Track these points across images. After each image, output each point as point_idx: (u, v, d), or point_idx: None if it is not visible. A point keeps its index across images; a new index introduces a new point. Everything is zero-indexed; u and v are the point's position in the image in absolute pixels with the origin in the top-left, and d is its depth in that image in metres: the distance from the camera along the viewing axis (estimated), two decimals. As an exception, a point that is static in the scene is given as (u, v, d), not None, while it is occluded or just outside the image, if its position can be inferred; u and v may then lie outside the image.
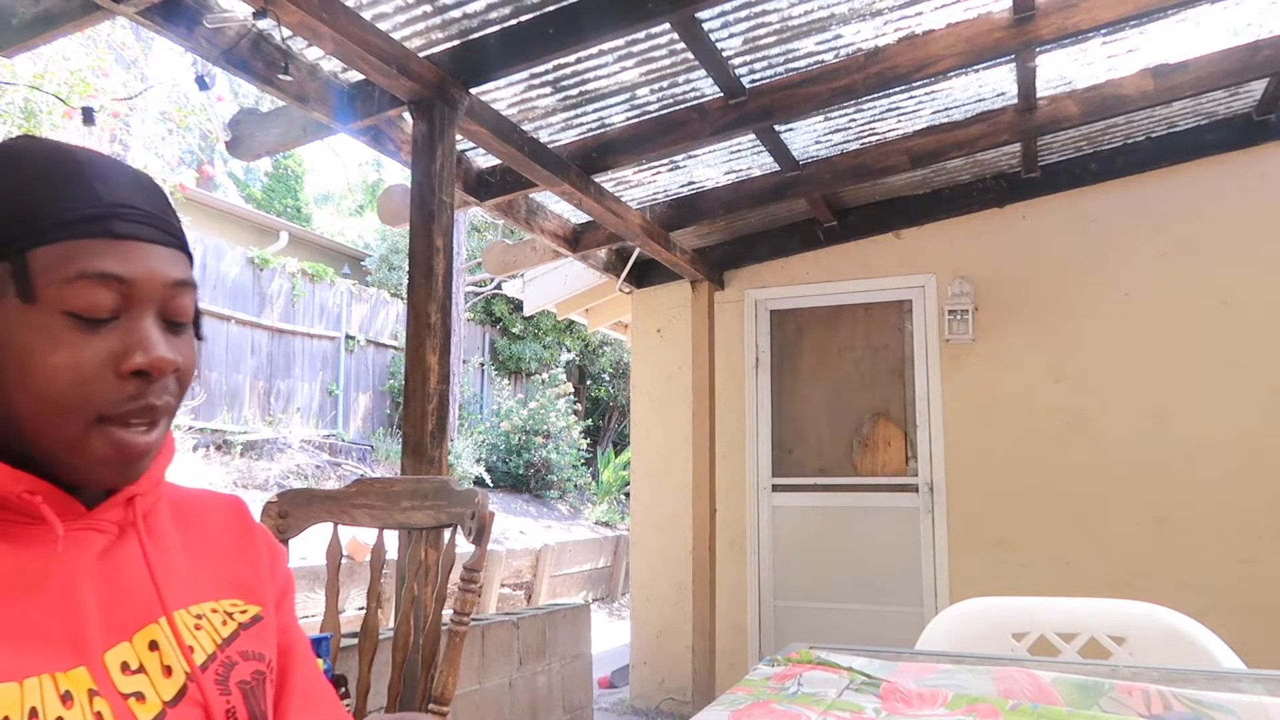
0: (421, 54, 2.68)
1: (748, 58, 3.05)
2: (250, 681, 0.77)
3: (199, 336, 0.77)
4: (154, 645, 0.71)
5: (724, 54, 2.98)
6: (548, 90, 3.11)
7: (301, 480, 8.36)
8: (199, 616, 0.76)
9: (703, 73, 3.06)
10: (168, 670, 0.71)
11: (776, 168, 3.98)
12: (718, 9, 2.69)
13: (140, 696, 0.68)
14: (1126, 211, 4.28)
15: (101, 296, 0.67)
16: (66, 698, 0.62)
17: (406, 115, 2.88)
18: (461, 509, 1.40)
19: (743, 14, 2.78)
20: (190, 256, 0.75)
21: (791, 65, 3.14)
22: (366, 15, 2.49)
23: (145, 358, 0.68)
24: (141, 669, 0.70)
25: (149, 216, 0.71)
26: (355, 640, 2.21)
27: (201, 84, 2.72)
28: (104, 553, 0.72)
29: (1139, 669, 1.23)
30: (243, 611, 0.81)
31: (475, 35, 2.68)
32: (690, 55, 2.94)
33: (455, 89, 2.72)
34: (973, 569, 4.32)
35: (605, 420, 13.79)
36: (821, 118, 3.60)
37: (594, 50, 2.86)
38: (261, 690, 0.78)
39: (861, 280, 4.73)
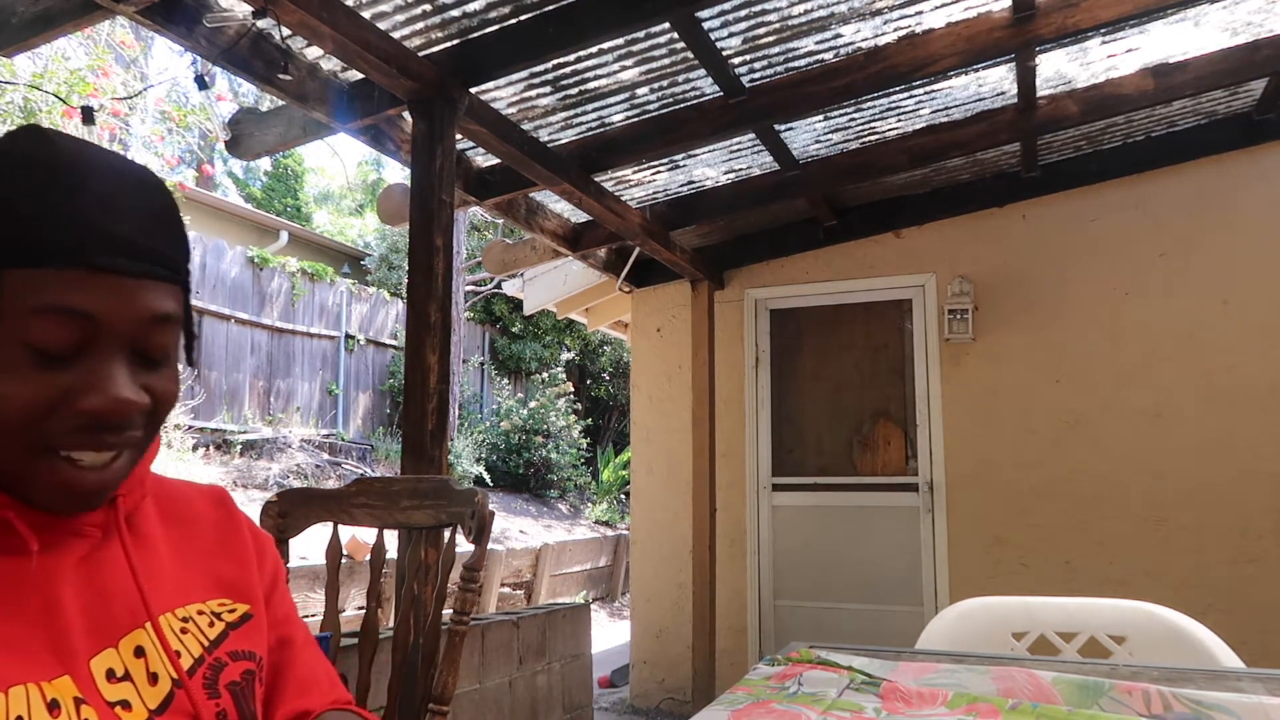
0: (421, 53, 2.68)
1: (747, 57, 3.05)
2: (240, 683, 0.75)
3: (190, 363, 0.72)
4: (140, 652, 0.70)
5: (724, 53, 2.98)
6: (547, 90, 3.11)
7: (301, 480, 8.36)
8: (185, 620, 0.75)
9: (702, 72, 3.06)
10: (153, 678, 0.69)
11: (776, 167, 3.98)
12: (718, 8, 2.69)
13: (126, 705, 0.67)
14: (1126, 211, 4.28)
15: (63, 332, 0.62)
16: (53, 706, 0.62)
17: (406, 115, 2.88)
18: (461, 508, 1.40)
19: (742, 13, 2.78)
20: (185, 287, 0.70)
21: (791, 64, 3.13)
22: (366, 14, 2.49)
23: (102, 400, 0.63)
24: (127, 676, 0.68)
25: (135, 247, 0.64)
26: (355, 640, 2.21)
27: (201, 83, 2.71)
28: (87, 556, 0.70)
29: (1139, 669, 1.23)
30: (231, 611, 0.79)
31: (475, 34, 2.68)
32: (690, 54, 2.94)
33: (455, 88, 2.71)
34: (973, 568, 4.32)
35: (605, 420, 13.78)
36: (821, 117, 3.59)
37: (594, 49, 2.85)
38: (251, 691, 0.77)
39: (861, 280, 4.73)
